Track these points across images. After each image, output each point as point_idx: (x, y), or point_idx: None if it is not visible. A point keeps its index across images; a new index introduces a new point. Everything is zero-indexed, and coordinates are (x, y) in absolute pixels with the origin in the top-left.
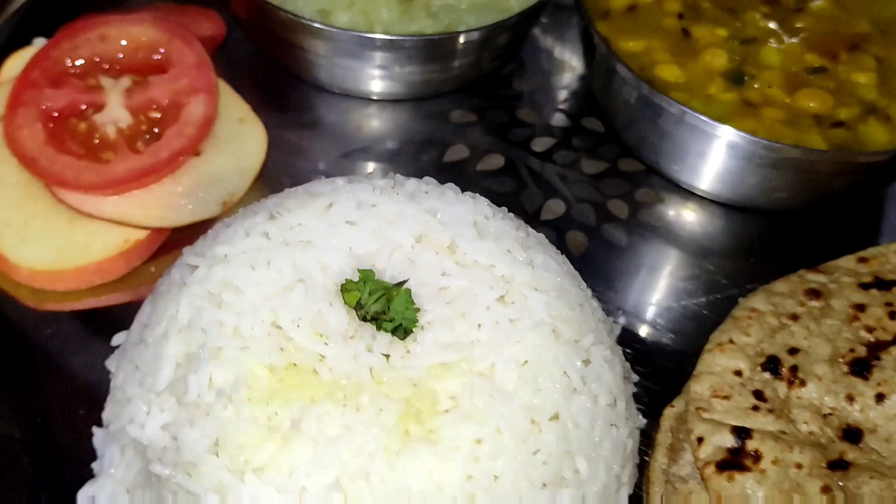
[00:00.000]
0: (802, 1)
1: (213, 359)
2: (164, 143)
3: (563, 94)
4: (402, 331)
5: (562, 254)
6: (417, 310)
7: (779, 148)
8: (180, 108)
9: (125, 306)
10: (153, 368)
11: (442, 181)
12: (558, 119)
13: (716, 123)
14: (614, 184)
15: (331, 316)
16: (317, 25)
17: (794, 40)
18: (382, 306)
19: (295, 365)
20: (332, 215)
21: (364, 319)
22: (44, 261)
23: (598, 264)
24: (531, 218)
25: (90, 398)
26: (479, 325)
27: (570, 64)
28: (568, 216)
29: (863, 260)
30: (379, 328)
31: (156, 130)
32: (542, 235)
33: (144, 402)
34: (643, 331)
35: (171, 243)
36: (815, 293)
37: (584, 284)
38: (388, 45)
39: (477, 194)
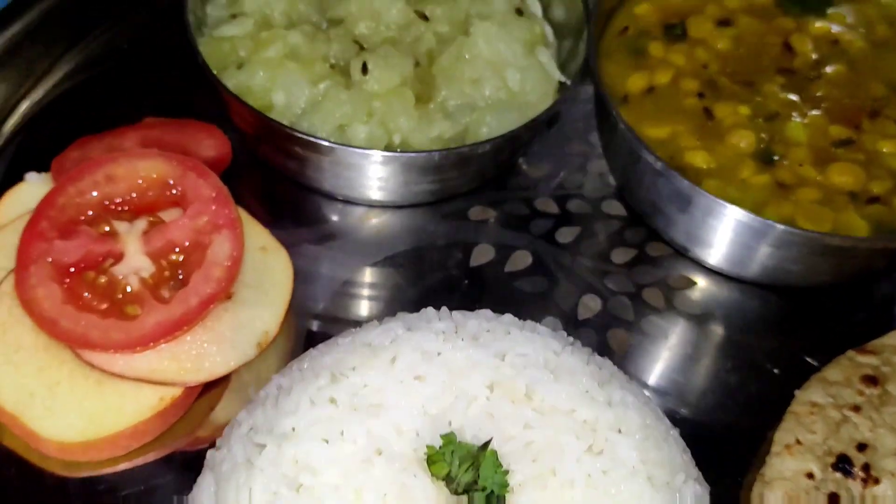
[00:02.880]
0: (817, 68)
1: None
2: (192, 290)
3: (577, 178)
4: (495, 498)
5: (633, 382)
6: (506, 472)
7: (820, 238)
8: (204, 249)
9: (164, 462)
10: None
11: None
12: (578, 205)
13: (755, 217)
14: (645, 271)
15: (416, 489)
16: (335, 146)
17: (816, 112)
18: (473, 476)
19: None
20: (397, 371)
21: (455, 493)
22: (76, 431)
23: (644, 362)
24: (569, 319)
25: None
26: (572, 482)
27: (579, 147)
28: (605, 312)
29: None
30: (470, 501)
31: (180, 275)
32: (608, 361)
33: None
34: (703, 429)
35: None
36: (871, 379)
37: (660, 412)
38: (407, 161)
39: (537, 324)
